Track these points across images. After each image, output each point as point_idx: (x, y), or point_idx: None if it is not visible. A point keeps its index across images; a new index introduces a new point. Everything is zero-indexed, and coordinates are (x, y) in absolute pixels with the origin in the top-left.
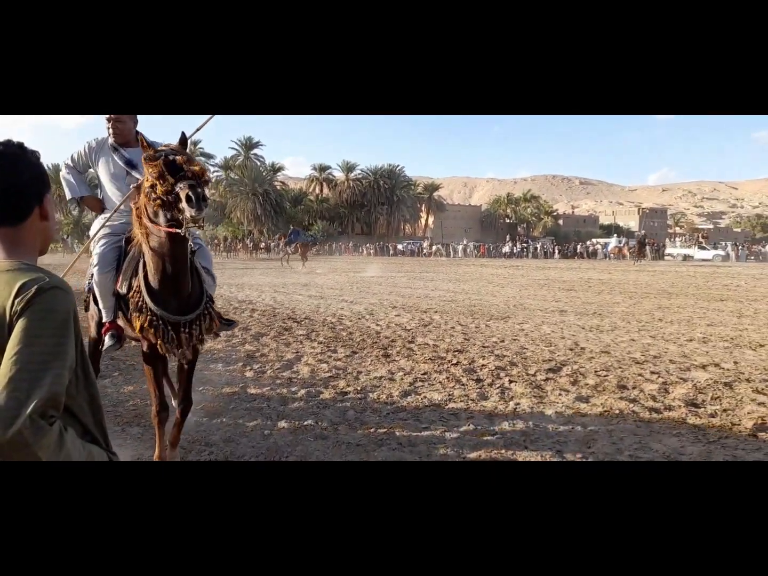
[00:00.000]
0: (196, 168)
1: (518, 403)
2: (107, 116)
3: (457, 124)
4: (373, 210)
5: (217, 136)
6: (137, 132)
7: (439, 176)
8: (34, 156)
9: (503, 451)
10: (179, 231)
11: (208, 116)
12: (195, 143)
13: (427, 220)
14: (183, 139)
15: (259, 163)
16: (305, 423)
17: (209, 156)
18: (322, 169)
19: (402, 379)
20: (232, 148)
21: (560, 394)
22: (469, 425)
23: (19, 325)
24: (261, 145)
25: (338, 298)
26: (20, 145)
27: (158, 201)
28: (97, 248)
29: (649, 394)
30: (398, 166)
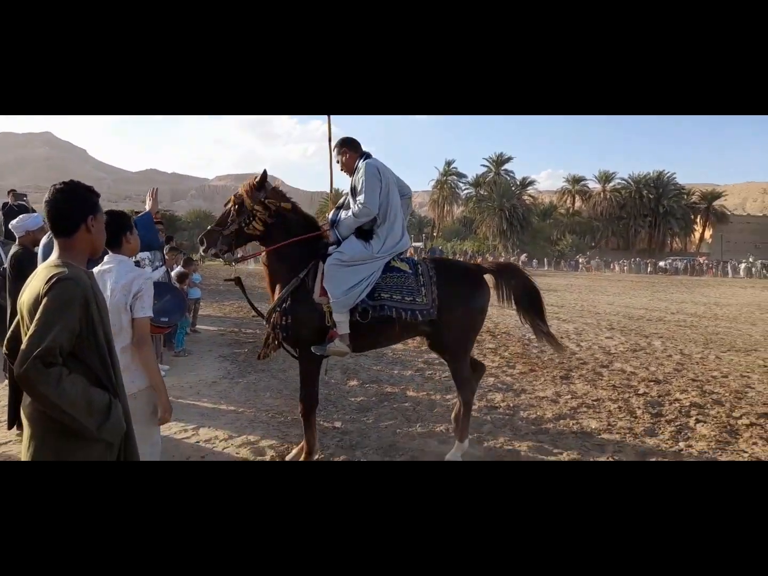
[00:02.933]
0: None
1: (689, 446)
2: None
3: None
4: (632, 223)
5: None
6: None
7: (728, 182)
8: (87, 191)
9: None
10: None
11: None
12: (449, 163)
13: (703, 233)
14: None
15: (508, 179)
16: (438, 429)
17: (461, 175)
18: (576, 180)
19: (566, 402)
20: (484, 165)
21: (755, 443)
22: (608, 458)
23: (42, 303)
24: (510, 158)
25: (552, 315)
26: (75, 184)
27: None
28: None
29: None
30: (668, 173)
